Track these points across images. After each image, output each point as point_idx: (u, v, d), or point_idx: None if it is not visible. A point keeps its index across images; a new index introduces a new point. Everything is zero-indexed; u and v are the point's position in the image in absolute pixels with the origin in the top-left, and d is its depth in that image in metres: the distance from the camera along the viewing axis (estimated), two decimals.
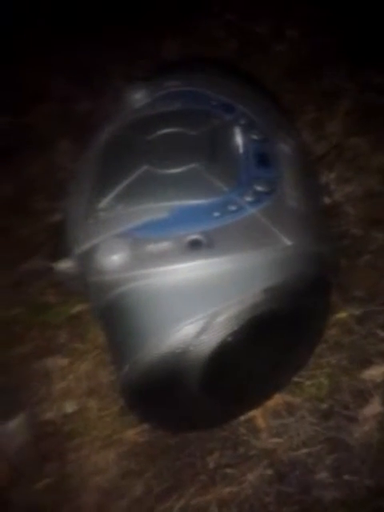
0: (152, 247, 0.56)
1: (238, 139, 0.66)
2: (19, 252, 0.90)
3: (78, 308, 0.77)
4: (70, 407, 0.69)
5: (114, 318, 0.57)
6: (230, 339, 0.54)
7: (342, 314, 0.74)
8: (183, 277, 0.54)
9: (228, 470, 0.63)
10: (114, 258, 0.55)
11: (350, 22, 1.11)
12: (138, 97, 0.74)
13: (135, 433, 0.66)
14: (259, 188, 0.61)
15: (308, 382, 0.68)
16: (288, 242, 0.57)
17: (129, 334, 0.55)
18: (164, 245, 0.56)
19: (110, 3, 1.33)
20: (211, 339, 0.53)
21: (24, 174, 1.03)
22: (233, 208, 0.59)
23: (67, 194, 0.70)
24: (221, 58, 1.09)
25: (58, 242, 0.69)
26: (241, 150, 0.65)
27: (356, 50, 1.05)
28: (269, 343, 0.60)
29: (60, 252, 0.65)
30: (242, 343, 0.55)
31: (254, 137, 0.67)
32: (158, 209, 0.59)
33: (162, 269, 0.54)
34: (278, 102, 0.96)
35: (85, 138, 0.80)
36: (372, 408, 0.66)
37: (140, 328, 0.54)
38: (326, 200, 0.88)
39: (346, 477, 0.62)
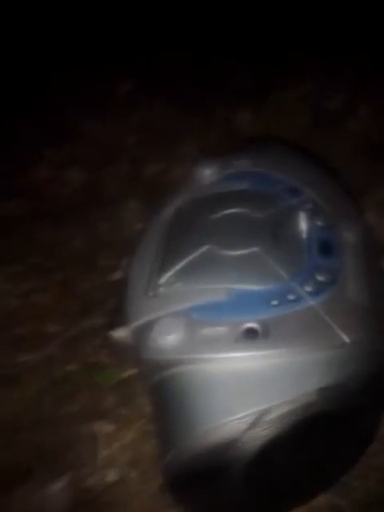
0: (207, 331, 0.56)
1: (303, 224, 0.66)
2: (79, 307, 0.93)
3: (128, 372, 0.78)
4: (111, 476, 0.69)
5: (162, 399, 0.57)
6: (278, 438, 0.52)
7: None
8: (236, 366, 0.54)
9: None
10: (168, 339, 0.56)
11: None
12: (207, 173, 0.77)
13: None
14: (320, 278, 0.60)
15: (356, 484, 0.65)
16: (347, 340, 0.55)
17: (175, 419, 0.54)
18: (219, 330, 0.56)
19: (189, 68, 1.40)
20: (259, 437, 0.51)
21: (93, 229, 1.08)
22: (292, 297, 0.58)
23: (131, 260, 0.73)
24: (292, 132, 1.11)
25: (116, 306, 0.71)
26: (304, 236, 0.65)
27: None
28: (318, 441, 0.57)
29: (117, 318, 0.67)
30: (290, 442, 0.53)
31: (319, 223, 0.67)
32: (217, 290, 0.60)
33: (215, 355, 0.54)
34: (347, 182, 0.97)
35: (152, 199, 0.83)
36: None
37: (187, 415, 0.53)
38: None
39: None
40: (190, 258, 0.64)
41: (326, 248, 0.64)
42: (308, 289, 0.59)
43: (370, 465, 0.66)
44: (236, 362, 0.54)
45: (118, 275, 0.98)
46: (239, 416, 0.51)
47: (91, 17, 1.52)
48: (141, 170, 1.20)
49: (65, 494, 0.67)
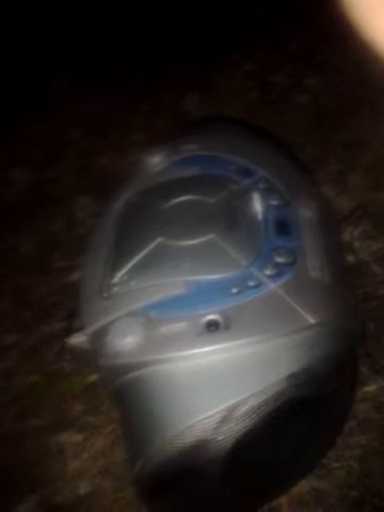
0: (166, 329, 0.53)
1: (257, 206, 0.63)
2: (36, 313, 0.89)
3: (92, 378, 0.75)
4: (83, 489, 0.66)
5: (125, 405, 0.54)
6: (250, 432, 0.50)
7: (372, 387, 0.69)
8: (199, 363, 0.51)
9: None
10: (125, 341, 0.53)
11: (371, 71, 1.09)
12: (155, 161, 0.73)
13: None
14: (279, 259, 0.58)
15: (336, 465, 0.64)
16: (311, 320, 0.53)
17: (141, 425, 0.51)
18: (179, 326, 0.53)
19: (132, 56, 1.35)
20: (230, 433, 0.49)
21: (44, 230, 1.03)
22: (252, 283, 0.55)
23: (83, 261, 0.69)
24: (241, 110, 1.08)
25: (72, 310, 0.67)
26: (260, 218, 0.62)
27: (379, 99, 1.03)
28: (293, 428, 0.55)
29: (73, 322, 0.63)
30: (263, 433, 0.51)
31: (274, 202, 0.64)
32: (174, 284, 0.57)
33: (176, 354, 0.51)
34: (300, 155, 0.94)
35: (103, 193, 0.79)
36: None
37: (153, 420, 0.50)
38: (350, 258, 0.84)
39: None
40: (143, 253, 0.61)
41: (283, 228, 0.62)
42: (268, 272, 0.56)
43: (348, 443, 0.65)
44: (199, 358, 0.51)
45: (75, 276, 0.93)
46: (207, 415, 0.48)
47: (20, 12, 1.44)
48: (90, 164, 1.14)
49: None
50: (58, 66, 1.38)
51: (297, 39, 1.21)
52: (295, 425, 0.55)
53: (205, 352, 0.51)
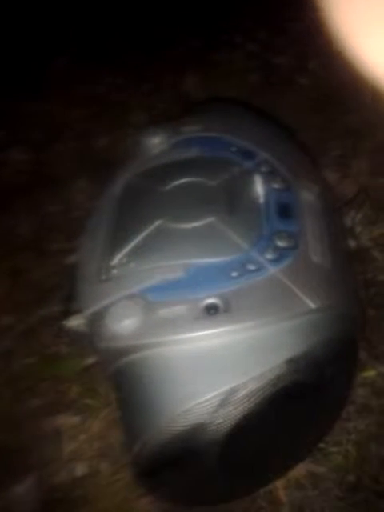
0: (165, 312, 0.53)
1: (259, 189, 0.62)
2: (33, 295, 0.88)
3: (90, 360, 0.74)
4: (80, 470, 0.66)
5: (123, 388, 0.54)
6: (248, 415, 0.49)
7: (370, 372, 0.69)
8: (198, 346, 0.50)
9: None
10: (124, 324, 0.52)
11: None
12: (155, 142, 0.72)
13: (148, 502, 0.62)
14: (281, 243, 0.57)
15: (333, 449, 0.64)
16: (312, 305, 0.53)
17: (139, 408, 0.51)
18: (178, 309, 0.52)
19: (132, 37, 1.33)
20: (228, 417, 0.49)
21: (42, 212, 1.02)
22: (252, 267, 0.55)
23: (81, 243, 0.68)
24: (242, 91, 1.07)
25: (70, 291, 0.66)
26: (261, 201, 0.61)
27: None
28: (291, 413, 0.55)
29: (71, 304, 0.63)
30: (261, 417, 0.51)
31: (276, 186, 0.63)
32: (173, 267, 0.56)
33: (175, 337, 0.51)
34: (301, 139, 0.93)
35: (102, 176, 0.78)
36: None
37: (151, 402, 0.50)
38: (352, 244, 0.83)
39: None
40: (142, 235, 0.60)
41: (285, 211, 0.61)
42: (269, 256, 0.55)
43: (345, 428, 0.65)
44: (198, 341, 0.50)
45: (72, 258, 0.92)
46: (205, 398, 0.48)
47: None
48: (88, 146, 1.13)
49: (31, 494, 0.64)
50: (57, 46, 1.35)
51: (301, 20, 1.19)
52: (293, 409, 0.54)
53: (204, 335, 0.50)
